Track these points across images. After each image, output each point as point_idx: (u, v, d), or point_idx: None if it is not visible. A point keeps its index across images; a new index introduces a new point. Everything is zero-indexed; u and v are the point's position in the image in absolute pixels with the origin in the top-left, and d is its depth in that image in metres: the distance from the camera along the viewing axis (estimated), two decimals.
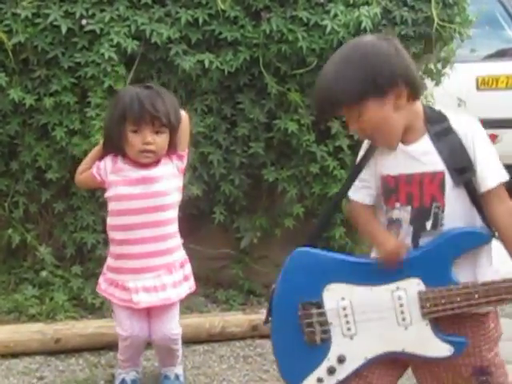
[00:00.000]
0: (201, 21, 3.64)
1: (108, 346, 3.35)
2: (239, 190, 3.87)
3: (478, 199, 2.13)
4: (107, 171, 2.98)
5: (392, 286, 2.15)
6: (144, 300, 2.96)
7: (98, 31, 3.56)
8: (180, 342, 3.14)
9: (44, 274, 3.74)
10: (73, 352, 3.44)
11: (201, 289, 3.92)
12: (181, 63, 3.60)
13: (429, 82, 4.23)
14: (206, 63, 3.61)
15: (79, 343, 3.44)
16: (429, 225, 2.14)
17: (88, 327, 3.47)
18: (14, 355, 3.38)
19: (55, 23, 3.54)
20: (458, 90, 4.38)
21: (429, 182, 2.13)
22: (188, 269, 3.08)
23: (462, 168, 2.11)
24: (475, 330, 2.19)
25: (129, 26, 3.58)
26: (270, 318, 2.25)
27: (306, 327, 2.18)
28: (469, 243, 2.14)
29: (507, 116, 5.81)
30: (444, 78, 4.26)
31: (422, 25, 3.85)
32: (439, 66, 4.23)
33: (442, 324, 2.16)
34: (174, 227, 3.04)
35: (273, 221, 3.99)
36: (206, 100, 3.74)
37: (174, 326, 3.07)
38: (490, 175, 2.11)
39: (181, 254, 3.07)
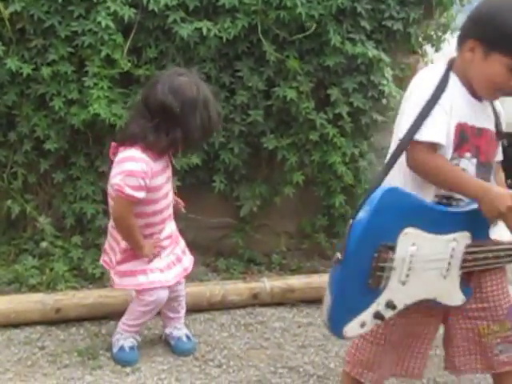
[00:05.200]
0: None
1: (109, 315, 3.35)
2: (239, 158, 3.85)
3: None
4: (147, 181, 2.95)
5: (451, 236, 2.16)
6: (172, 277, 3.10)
7: None
8: (184, 290, 3.25)
9: (44, 244, 3.74)
10: (73, 322, 3.44)
11: (201, 258, 3.94)
12: (179, 31, 3.57)
13: (429, 48, 4.21)
14: (204, 31, 3.57)
15: (80, 313, 3.44)
16: (492, 179, 2.25)
17: (88, 297, 3.47)
18: (15, 325, 3.38)
19: None
20: None
21: (494, 139, 2.26)
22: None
23: (500, 132, 2.29)
24: (499, 274, 2.32)
25: None
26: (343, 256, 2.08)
27: (376, 271, 2.09)
28: None
29: None
30: (444, 44, 4.23)
31: None
32: (439, 32, 4.20)
33: (470, 273, 2.23)
34: None
35: (272, 189, 3.98)
36: (204, 68, 3.71)
37: None
38: None
39: None
